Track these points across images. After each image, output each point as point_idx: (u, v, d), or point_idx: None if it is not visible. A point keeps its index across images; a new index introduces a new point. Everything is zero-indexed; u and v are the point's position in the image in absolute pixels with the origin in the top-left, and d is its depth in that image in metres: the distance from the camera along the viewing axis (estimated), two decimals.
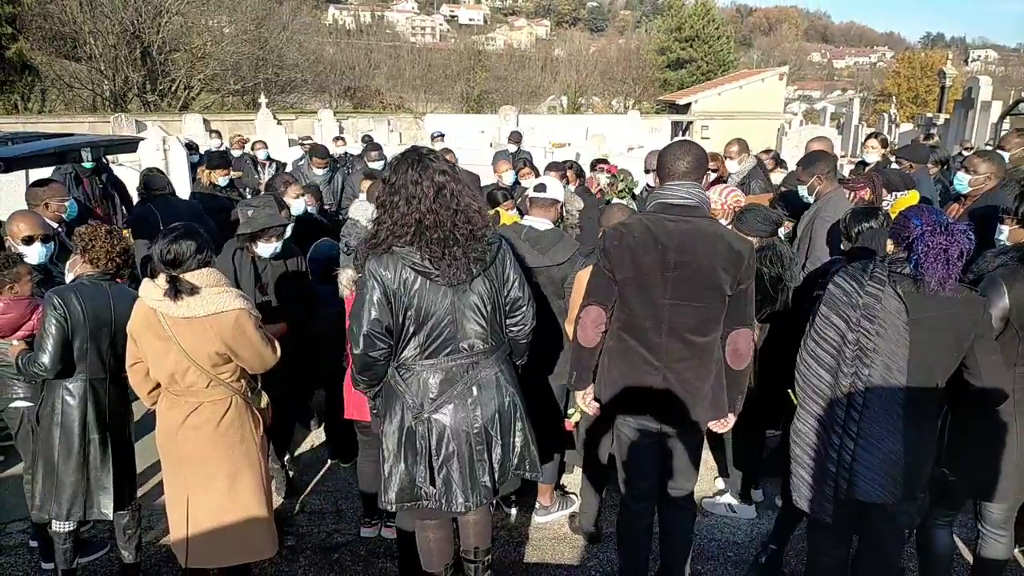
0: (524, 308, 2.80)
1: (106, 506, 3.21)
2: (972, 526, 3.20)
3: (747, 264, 2.73)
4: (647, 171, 5.85)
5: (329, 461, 4.61)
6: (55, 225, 4.31)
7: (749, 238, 3.20)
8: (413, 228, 2.54)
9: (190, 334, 2.73)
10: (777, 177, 7.05)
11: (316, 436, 4.93)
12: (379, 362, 2.65)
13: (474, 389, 2.67)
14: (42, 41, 25.59)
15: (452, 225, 2.56)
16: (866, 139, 7.06)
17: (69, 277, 3.42)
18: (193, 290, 2.70)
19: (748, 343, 2.84)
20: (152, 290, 2.73)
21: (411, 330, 2.61)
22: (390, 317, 2.58)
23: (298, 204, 4.73)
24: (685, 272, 2.69)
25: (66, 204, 4.61)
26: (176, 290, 2.67)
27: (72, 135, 6.13)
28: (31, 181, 4.93)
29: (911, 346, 2.52)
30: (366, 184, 5.26)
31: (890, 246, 2.66)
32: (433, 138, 11.61)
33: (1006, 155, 5.69)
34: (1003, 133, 12.92)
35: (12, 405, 3.43)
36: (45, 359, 3.01)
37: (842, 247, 3.62)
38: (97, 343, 3.13)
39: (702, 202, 2.80)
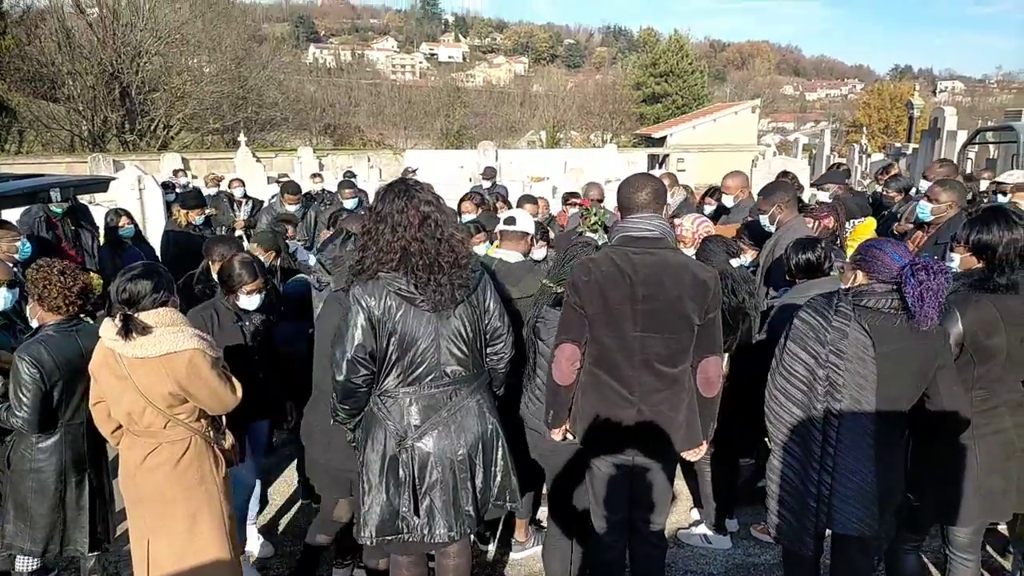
0: (504, 337, 2.83)
1: (82, 543, 3.18)
2: (940, 550, 3.21)
3: (713, 292, 2.77)
4: (725, 192, 5.98)
5: (300, 501, 4.53)
6: (9, 266, 4.24)
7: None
8: (399, 255, 2.58)
9: (144, 374, 2.69)
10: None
11: (288, 475, 4.85)
12: (361, 388, 2.65)
13: (457, 416, 2.68)
14: (20, 82, 25.53)
15: (436, 253, 2.59)
16: (815, 185, 7.28)
17: (34, 323, 3.35)
18: (145, 329, 2.67)
19: (718, 371, 2.87)
20: (108, 328, 2.70)
21: (394, 357, 2.62)
22: (374, 343, 2.59)
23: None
24: (653, 304, 2.71)
25: (17, 244, 4.53)
26: (127, 329, 2.63)
27: (43, 175, 6.09)
28: None
29: (878, 378, 2.55)
30: (325, 234, 5.18)
31: (861, 277, 2.67)
32: (407, 172, 11.66)
33: (927, 184, 5.83)
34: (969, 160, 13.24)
35: None
36: (25, 416, 2.98)
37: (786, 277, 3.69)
38: (72, 391, 3.10)
39: (665, 233, 2.83)
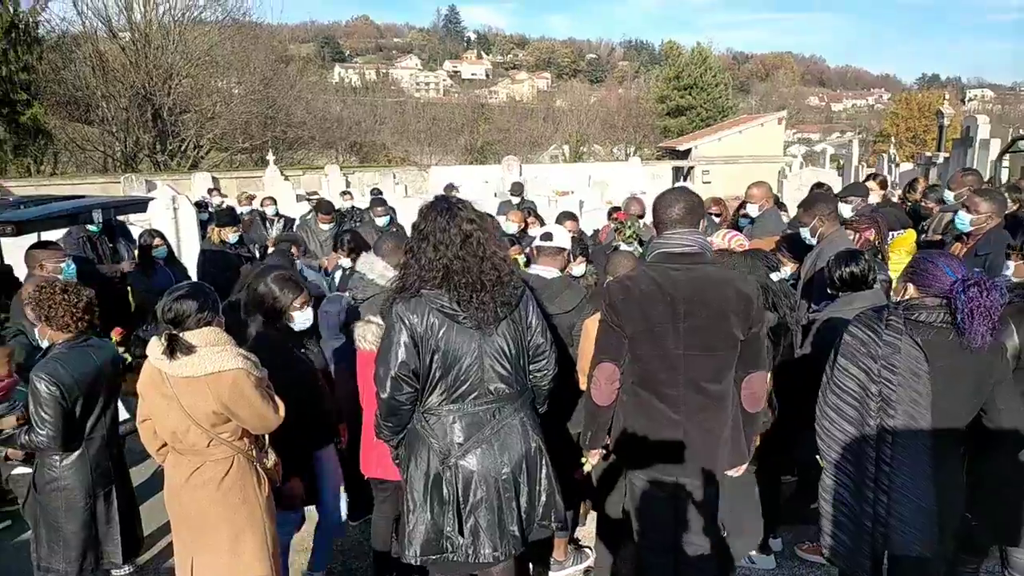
0: (547, 354, 2.79)
1: (116, 556, 3.22)
2: (1000, 573, 3.10)
3: (756, 307, 2.73)
4: (750, 202, 5.92)
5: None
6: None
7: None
8: (441, 273, 2.57)
9: (189, 393, 2.70)
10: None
11: None
12: (404, 406, 2.63)
13: (501, 434, 2.65)
14: (56, 106, 26.24)
15: (479, 271, 2.58)
16: (865, 180, 7.10)
17: (44, 344, 3.34)
18: (190, 349, 2.69)
19: (763, 386, 2.82)
20: (154, 348, 2.73)
21: (437, 374, 2.60)
22: (417, 360, 2.57)
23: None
24: (697, 321, 2.67)
25: (62, 265, 4.59)
26: (173, 348, 2.66)
27: (83, 197, 6.23)
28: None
29: (933, 394, 2.48)
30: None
31: (912, 290, 2.61)
32: (448, 189, 11.64)
33: (951, 194, 5.68)
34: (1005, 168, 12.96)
35: (14, 472, 3.41)
36: (48, 434, 3.02)
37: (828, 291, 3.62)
38: (91, 406, 3.14)
39: (704, 248, 2.79)
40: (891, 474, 2.55)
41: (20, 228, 4.42)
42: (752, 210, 5.87)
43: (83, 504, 3.16)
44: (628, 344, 2.74)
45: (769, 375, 3.47)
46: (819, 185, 6.24)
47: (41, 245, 4.74)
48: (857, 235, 4.52)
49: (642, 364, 2.75)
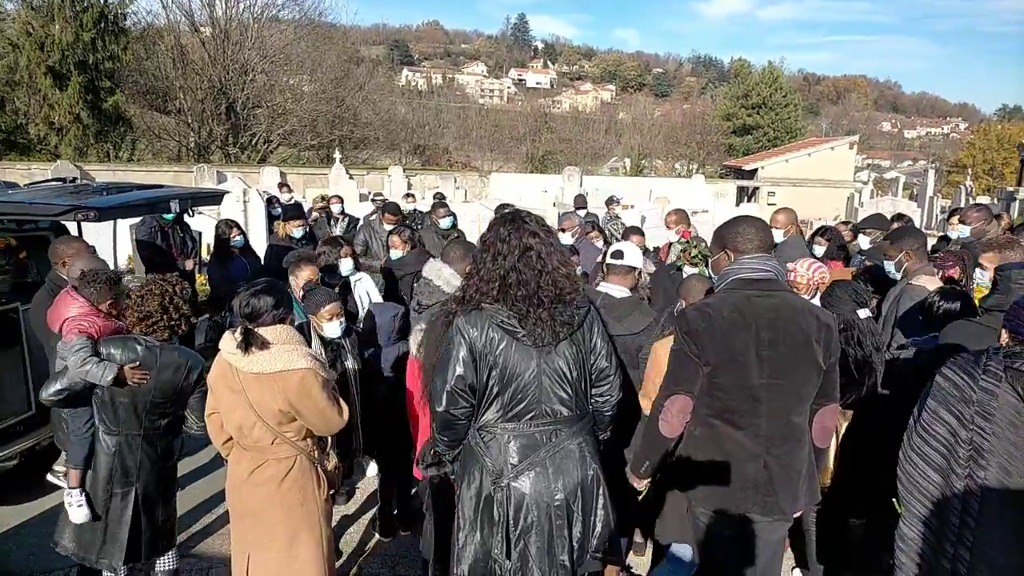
0: (611, 378, 2.67)
1: (117, 559, 3.19)
2: None
3: (836, 336, 2.65)
4: (774, 227, 5.71)
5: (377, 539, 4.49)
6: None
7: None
8: (498, 284, 2.51)
9: (257, 390, 2.72)
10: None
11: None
12: (460, 421, 2.57)
13: (556, 458, 2.55)
14: (136, 95, 27.43)
15: (537, 286, 2.50)
16: (948, 217, 6.79)
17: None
18: (264, 344, 2.71)
19: (834, 420, 2.73)
20: (228, 342, 2.75)
21: (495, 391, 2.53)
22: (474, 375, 2.51)
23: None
24: (780, 349, 2.56)
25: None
26: (247, 343, 2.68)
27: (161, 186, 6.41)
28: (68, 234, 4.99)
29: None
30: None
31: (1005, 336, 2.45)
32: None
33: (967, 229, 5.37)
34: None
35: None
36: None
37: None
38: (136, 401, 3.17)
39: (780, 274, 2.70)
40: (976, 528, 2.38)
41: (102, 215, 4.55)
42: (778, 235, 5.63)
43: (102, 496, 3.19)
44: (705, 373, 2.63)
45: (841, 417, 3.34)
46: (899, 216, 6.00)
47: (65, 239, 4.57)
48: (941, 272, 4.31)
49: (721, 395, 2.63)
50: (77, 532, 3.23)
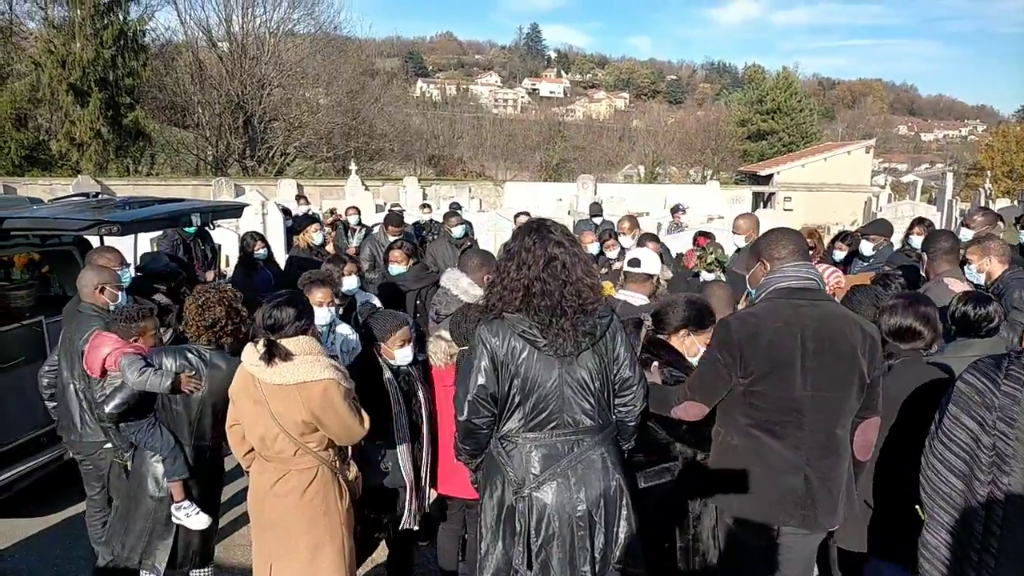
0: (634, 388, 2.65)
1: (160, 560, 3.24)
2: None
3: (879, 347, 2.61)
4: (735, 232, 5.67)
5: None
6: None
7: None
8: (521, 294, 2.51)
9: (280, 400, 2.75)
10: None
11: None
12: (481, 430, 2.58)
13: (579, 468, 2.53)
14: (156, 110, 27.84)
15: (560, 296, 2.50)
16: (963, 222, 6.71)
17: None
18: (287, 356, 2.74)
19: (876, 433, 2.68)
20: (250, 354, 2.79)
21: (516, 400, 2.53)
22: (496, 385, 2.51)
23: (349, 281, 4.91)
24: (825, 360, 2.52)
25: (118, 272, 4.24)
26: (270, 355, 2.71)
27: (182, 200, 6.51)
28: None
29: None
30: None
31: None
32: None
33: (970, 233, 5.31)
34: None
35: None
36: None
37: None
38: (189, 409, 3.22)
39: (820, 283, 2.67)
40: (1000, 535, 2.36)
41: (125, 229, 4.62)
42: (739, 241, 5.57)
43: (148, 496, 3.25)
44: (746, 384, 2.59)
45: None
46: (920, 220, 5.96)
47: (99, 249, 4.57)
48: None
49: (763, 406, 2.59)
50: (123, 535, 3.28)
